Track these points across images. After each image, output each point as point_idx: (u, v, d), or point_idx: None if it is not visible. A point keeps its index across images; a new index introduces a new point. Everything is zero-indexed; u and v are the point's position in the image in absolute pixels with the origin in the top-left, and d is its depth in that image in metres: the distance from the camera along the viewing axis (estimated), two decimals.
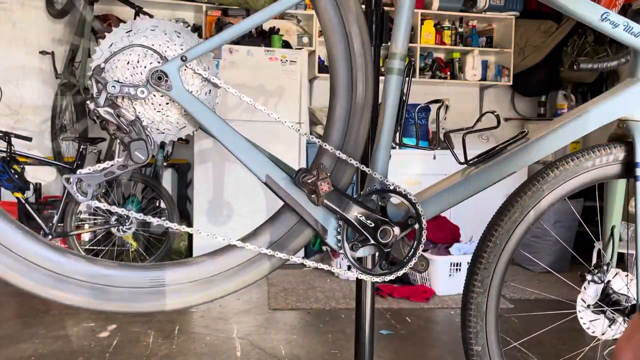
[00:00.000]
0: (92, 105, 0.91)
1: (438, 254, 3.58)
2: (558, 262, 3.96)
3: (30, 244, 0.95)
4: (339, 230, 1.06)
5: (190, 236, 4.20)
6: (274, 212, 1.10)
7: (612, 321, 1.42)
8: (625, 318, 1.38)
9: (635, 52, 1.25)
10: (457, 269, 3.53)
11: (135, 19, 0.98)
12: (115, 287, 0.99)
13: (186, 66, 0.95)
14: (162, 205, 4.01)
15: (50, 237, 3.51)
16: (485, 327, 1.36)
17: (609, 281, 1.43)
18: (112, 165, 0.95)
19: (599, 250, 1.48)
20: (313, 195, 1.02)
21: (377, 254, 1.10)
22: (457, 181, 1.19)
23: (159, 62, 0.94)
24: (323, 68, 4.66)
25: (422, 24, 4.92)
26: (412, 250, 1.09)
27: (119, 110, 0.92)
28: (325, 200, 1.02)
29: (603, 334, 1.43)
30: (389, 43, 1.14)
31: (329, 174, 1.03)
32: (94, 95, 0.92)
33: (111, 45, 0.94)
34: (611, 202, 1.45)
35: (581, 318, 1.42)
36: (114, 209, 1.03)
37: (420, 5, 4.90)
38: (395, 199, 1.10)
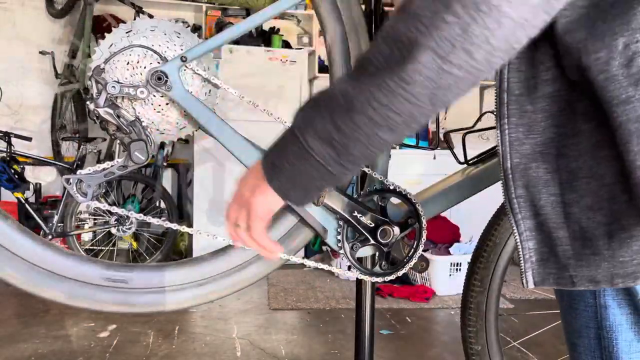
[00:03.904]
0: (92, 106, 0.91)
1: (438, 254, 3.58)
2: None
3: (30, 244, 0.95)
4: (339, 230, 1.06)
5: (190, 236, 4.20)
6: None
7: None
8: None
9: None
10: (457, 269, 3.53)
11: (135, 19, 0.98)
12: (115, 287, 0.99)
13: (186, 66, 0.95)
14: (162, 205, 4.02)
15: (50, 237, 3.51)
16: (485, 327, 1.36)
17: None
18: (112, 166, 0.95)
19: None
20: None
21: (377, 254, 1.10)
22: (457, 181, 1.19)
23: (158, 63, 0.94)
24: (323, 68, 4.66)
25: None
26: (412, 250, 1.09)
27: (118, 111, 0.92)
28: (325, 200, 1.02)
29: None
30: None
31: None
32: (94, 96, 0.92)
33: (111, 45, 0.94)
34: None
35: None
36: (113, 209, 1.03)
37: None
38: (395, 199, 1.10)
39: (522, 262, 0.68)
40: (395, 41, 0.55)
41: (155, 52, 0.94)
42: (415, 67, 0.54)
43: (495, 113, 0.68)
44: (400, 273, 1.09)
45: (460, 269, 3.51)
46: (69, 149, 4.33)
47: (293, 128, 0.64)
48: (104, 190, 3.82)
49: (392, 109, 0.56)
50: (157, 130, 0.97)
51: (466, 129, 1.28)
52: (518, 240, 0.67)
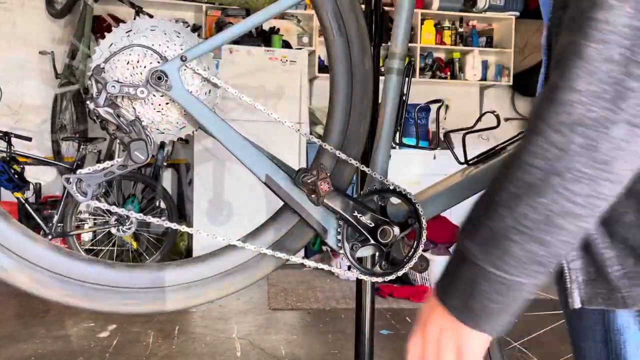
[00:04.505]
0: (92, 105, 0.91)
1: (438, 254, 3.58)
2: None
3: (30, 244, 0.95)
4: (338, 230, 1.06)
5: (190, 236, 4.20)
6: (274, 212, 1.10)
7: None
8: None
9: None
10: None
11: (135, 19, 0.98)
12: (115, 288, 0.99)
13: (186, 66, 0.95)
14: (162, 205, 4.02)
15: (50, 237, 3.51)
16: None
17: None
18: (112, 165, 0.94)
19: None
20: (313, 195, 1.02)
21: (377, 254, 1.10)
22: (457, 181, 1.18)
23: (158, 62, 0.93)
24: (323, 68, 4.66)
25: (422, 24, 4.92)
26: (412, 250, 1.09)
27: (118, 110, 0.92)
28: (325, 200, 1.02)
29: None
30: (389, 43, 1.14)
31: (328, 174, 1.03)
32: (94, 95, 0.91)
33: (111, 45, 0.94)
34: None
35: None
36: (113, 209, 1.03)
37: (420, 5, 4.90)
38: (395, 199, 1.10)
39: (567, 282, 0.65)
40: (576, 127, 0.51)
41: (155, 51, 0.94)
42: (612, 144, 0.51)
43: None
44: (400, 273, 1.09)
45: None
46: (69, 149, 4.33)
47: (481, 266, 0.58)
48: (103, 190, 3.82)
49: (594, 196, 0.53)
50: (157, 129, 0.97)
51: (466, 129, 1.28)
52: (564, 260, 0.65)
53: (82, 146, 3.73)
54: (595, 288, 0.64)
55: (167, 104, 0.95)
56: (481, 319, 0.61)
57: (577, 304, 0.66)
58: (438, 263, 3.50)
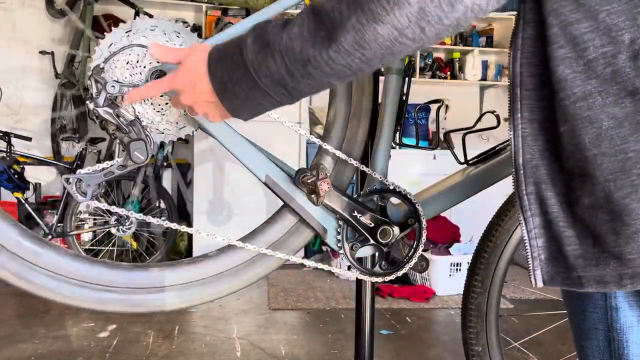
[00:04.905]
0: (91, 105, 0.91)
1: (438, 254, 3.58)
2: None
3: (30, 244, 0.95)
4: (338, 230, 1.06)
5: (190, 236, 4.20)
6: (274, 212, 1.10)
7: None
8: None
9: None
10: (457, 269, 3.52)
11: (135, 19, 0.98)
12: (115, 288, 0.99)
13: None
14: (162, 205, 4.01)
15: (50, 237, 3.50)
16: (486, 328, 1.35)
17: None
18: (111, 165, 0.94)
19: None
20: (313, 195, 1.02)
21: (377, 254, 1.10)
22: (457, 181, 1.18)
23: (158, 62, 0.93)
24: None
25: None
26: (412, 250, 1.09)
27: (118, 110, 0.92)
28: (325, 200, 1.02)
29: None
30: None
31: (328, 174, 1.03)
32: (94, 95, 0.91)
33: (110, 45, 0.94)
34: None
35: None
36: (113, 209, 1.03)
37: None
38: (395, 199, 1.10)
39: (530, 260, 0.68)
40: (360, 9, 0.60)
41: None
42: (375, 36, 0.61)
43: (508, 108, 0.68)
44: (400, 273, 1.09)
45: (460, 269, 3.51)
46: (69, 149, 4.33)
47: (247, 63, 0.70)
48: (103, 190, 3.82)
49: (345, 66, 0.65)
50: (157, 130, 0.97)
51: (466, 129, 1.28)
52: (526, 237, 0.68)
53: (81, 145, 3.73)
54: (556, 267, 0.66)
55: (166, 104, 0.95)
56: (226, 97, 0.74)
57: (540, 283, 0.68)
58: (438, 263, 3.51)
